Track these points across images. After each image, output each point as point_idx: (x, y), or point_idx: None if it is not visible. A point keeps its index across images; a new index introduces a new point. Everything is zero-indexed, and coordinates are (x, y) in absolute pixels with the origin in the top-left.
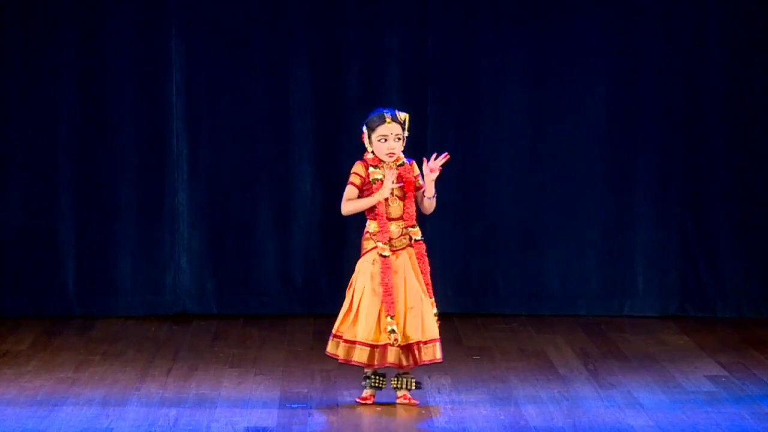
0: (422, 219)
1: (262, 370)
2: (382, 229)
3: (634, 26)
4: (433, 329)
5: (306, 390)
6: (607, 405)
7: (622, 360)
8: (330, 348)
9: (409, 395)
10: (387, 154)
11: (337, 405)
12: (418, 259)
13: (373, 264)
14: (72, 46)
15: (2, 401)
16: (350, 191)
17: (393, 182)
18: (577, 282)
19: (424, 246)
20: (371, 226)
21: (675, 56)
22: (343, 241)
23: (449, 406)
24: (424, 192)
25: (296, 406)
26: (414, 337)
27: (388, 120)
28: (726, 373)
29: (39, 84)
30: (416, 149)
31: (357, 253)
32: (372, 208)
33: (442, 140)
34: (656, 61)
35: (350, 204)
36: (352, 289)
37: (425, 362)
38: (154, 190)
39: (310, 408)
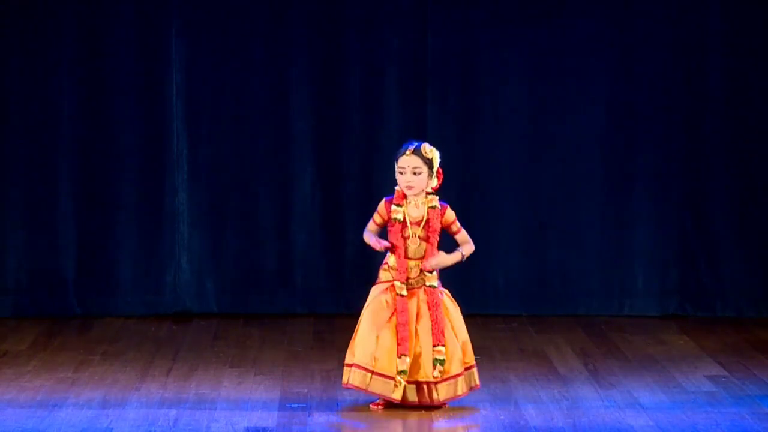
0: None
1: (262, 370)
2: (400, 268)
3: (634, 27)
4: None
5: (306, 390)
6: (607, 405)
7: (622, 360)
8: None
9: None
10: (405, 187)
11: (337, 405)
12: (428, 305)
13: (386, 292)
14: (72, 46)
15: (2, 401)
16: (371, 224)
17: (380, 249)
18: (577, 282)
19: (436, 292)
20: (391, 259)
21: (675, 56)
22: (343, 241)
23: (449, 406)
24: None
25: (296, 406)
26: (423, 377)
27: (407, 153)
28: (726, 373)
29: (39, 84)
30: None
31: (357, 253)
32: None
33: (441, 140)
34: (657, 61)
35: (366, 236)
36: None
37: (442, 401)
38: (155, 190)
39: (310, 408)
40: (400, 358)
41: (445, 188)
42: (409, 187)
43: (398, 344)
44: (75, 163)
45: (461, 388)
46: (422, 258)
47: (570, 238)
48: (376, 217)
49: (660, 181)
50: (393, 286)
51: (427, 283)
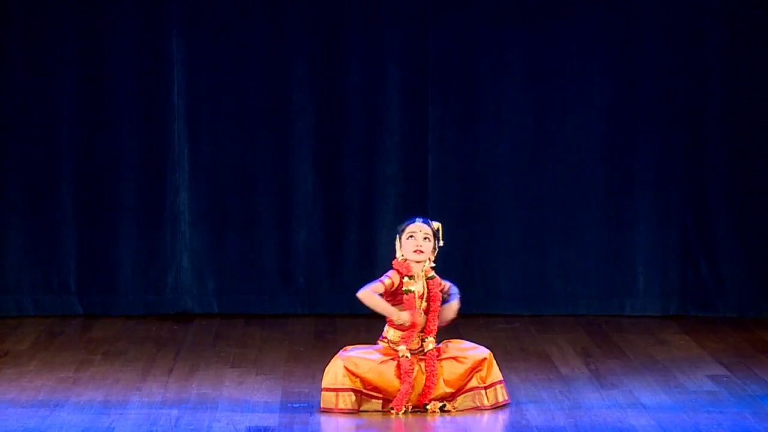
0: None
1: (264, 370)
2: (409, 338)
3: (634, 26)
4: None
5: (307, 390)
6: (608, 405)
7: (624, 360)
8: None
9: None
10: (414, 251)
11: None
12: (427, 367)
13: (383, 355)
14: (73, 44)
15: (3, 401)
16: (378, 286)
17: (405, 323)
18: (579, 282)
19: (434, 356)
20: (390, 332)
21: (675, 56)
22: (344, 241)
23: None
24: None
25: (298, 405)
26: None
27: (417, 221)
28: (727, 373)
29: (39, 82)
30: (417, 149)
31: (359, 252)
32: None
33: (442, 140)
34: (657, 61)
35: (371, 297)
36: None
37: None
38: (156, 190)
39: (312, 408)
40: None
41: (447, 188)
42: (419, 252)
43: (396, 402)
44: (76, 162)
45: (487, 399)
46: (422, 330)
47: (571, 238)
48: (387, 281)
49: (661, 182)
50: (393, 357)
51: (425, 349)
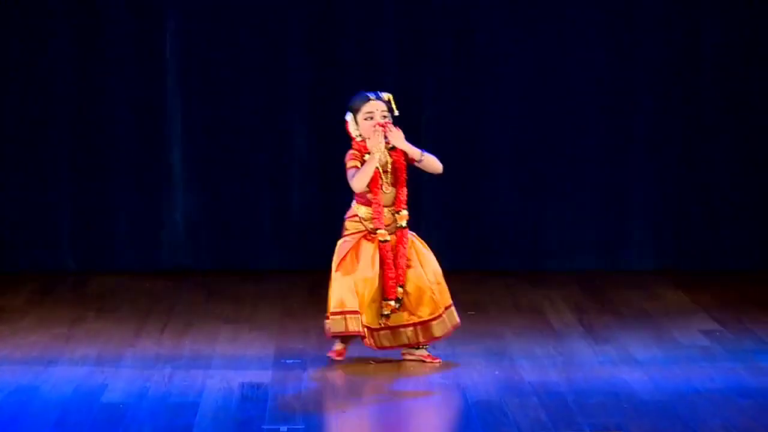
0: (418, 173)
1: (258, 326)
2: (379, 216)
3: None
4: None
5: (301, 346)
6: (601, 360)
7: (617, 315)
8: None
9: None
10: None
11: (333, 361)
12: (397, 244)
13: (359, 244)
14: (66, 4)
15: None
16: (353, 172)
17: (382, 138)
18: (573, 237)
19: (406, 232)
20: (360, 210)
21: (675, 10)
22: (339, 197)
23: (444, 361)
24: (414, 160)
25: (291, 361)
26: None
27: (372, 98)
28: (720, 328)
29: (34, 42)
30: (411, 101)
31: None
32: (364, 194)
33: (436, 93)
34: (656, 15)
35: (358, 175)
36: (333, 268)
37: (422, 343)
38: (150, 146)
39: (306, 364)
40: (384, 301)
41: (441, 143)
42: (383, 127)
43: (386, 288)
44: (69, 119)
45: (440, 329)
46: (392, 204)
47: (566, 194)
48: (356, 162)
49: (656, 136)
50: (366, 236)
51: (400, 223)
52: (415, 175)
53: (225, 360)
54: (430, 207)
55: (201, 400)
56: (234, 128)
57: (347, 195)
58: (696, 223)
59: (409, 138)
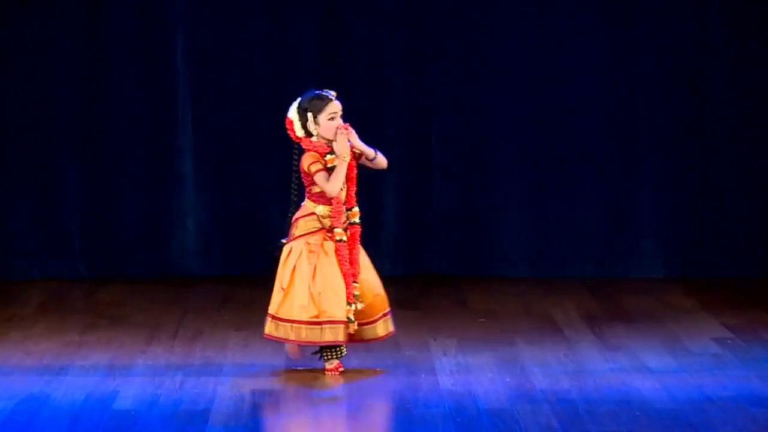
0: (428, 181)
1: None
2: (339, 215)
3: None
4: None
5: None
6: (613, 368)
7: (628, 322)
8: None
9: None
10: (343, 130)
11: (344, 367)
12: (351, 241)
13: (321, 245)
14: (72, 5)
15: (8, 364)
16: (323, 176)
17: (347, 140)
18: (584, 244)
19: (359, 229)
20: (318, 208)
21: (679, 10)
22: None
23: (455, 368)
24: (367, 159)
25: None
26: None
27: (333, 98)
28: (732, 335)
29: (41, 44)
30: (420, 110)
31: (364, 215)
32: (321, 193)
33: (442, 88)
34: (659, 16)
35: (333, 180)
36: (289, 269)
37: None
38: (160, 152)
39: (317, 371)
40: (349, 305)
41: (450, 147)
42: (347, 129)
43: (347, 293)
44: (80, 125)
45: (384, 329)
46: (346, 202)
47: (576, 201)
48: (319, 165)
49: (666, 142)
50: (324, 235)
51: (352, 220)
52: (424, 182)
53: (236, 367)
54: (440, 214)
55: (212, 407)
56: (245, 135)
57: (365, 200)
58: (706, 230)
59: (420, 145)
